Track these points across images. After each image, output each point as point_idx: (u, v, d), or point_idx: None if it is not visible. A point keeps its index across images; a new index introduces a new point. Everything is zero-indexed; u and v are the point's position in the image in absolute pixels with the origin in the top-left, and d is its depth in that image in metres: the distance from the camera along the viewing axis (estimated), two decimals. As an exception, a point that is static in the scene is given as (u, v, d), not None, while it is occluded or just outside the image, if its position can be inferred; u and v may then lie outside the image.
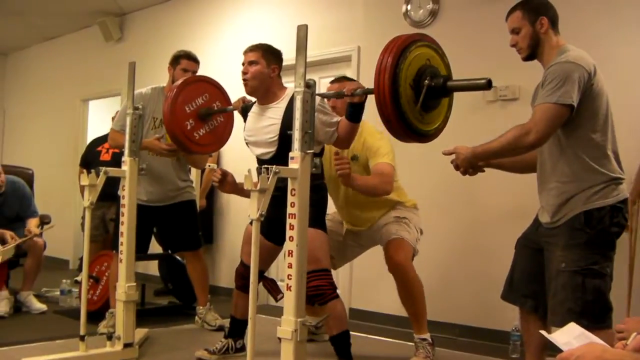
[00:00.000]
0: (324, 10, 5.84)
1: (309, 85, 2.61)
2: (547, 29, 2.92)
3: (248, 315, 3.80)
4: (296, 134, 2.57)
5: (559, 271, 2.80)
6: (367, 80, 5.35)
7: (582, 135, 2.81)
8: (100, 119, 8.38)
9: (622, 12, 4.19)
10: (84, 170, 3.83)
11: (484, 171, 3.17)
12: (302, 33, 2.59)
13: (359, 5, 5.62)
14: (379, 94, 2.60)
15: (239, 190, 3.77)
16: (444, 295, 4.78)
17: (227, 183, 3.74)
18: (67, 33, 9.17)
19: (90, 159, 6.26)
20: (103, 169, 3.63)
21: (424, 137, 2.81)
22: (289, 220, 2.54)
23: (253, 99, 3.73)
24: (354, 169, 3.82)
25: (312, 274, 3.35)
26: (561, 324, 2.70)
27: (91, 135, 7.79)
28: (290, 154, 2.56)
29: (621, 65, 4.15)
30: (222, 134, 4.15)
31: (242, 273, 3.77)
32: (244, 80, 3.56)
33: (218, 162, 6.40)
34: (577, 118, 2.78)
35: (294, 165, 2.55)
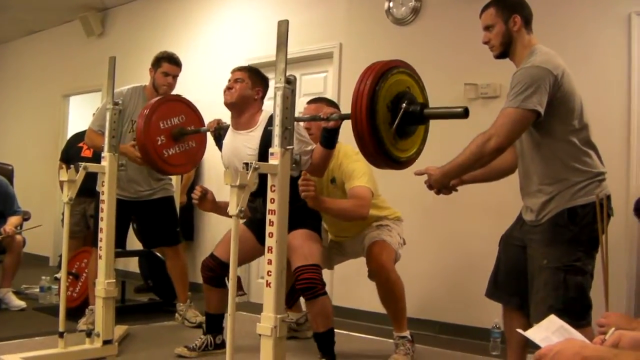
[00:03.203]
0: (306, 7, 5.84)
1: (290, 81, 2.59)
2: (520, 27, 2.91)
3: (222, 310, 3.85)
4: (276, 130, 2.55)
5: (541, 268, 2.80)
6: (348, 78, 5.40)
7: (560, 137, 2.81)
8: (80, 114, 8.32)
9: (606, 8, 4.22)
10: (64, 165, 3.80)
11: (457, 190, 3.15)
12: (283, 28, 2.58)
13: (341, 1, 5.62)
14: (356, 119, 2.57)
15: (218, 208, 3.77)
16: (424, 292, 4.79)
17: (207, 201, 3.74)
18: (48, 28, 9.11)
19: (71, 155, 6.22)
20: (82, 164, 3.59)
21: (398, 163, 2.77)
22: (268, 217, 2.53)
23: (227, 122, 3.75)
24: (333, 192, 3.84)
25: (304, 267, 3.40)
26: None
27: (71, 131, 7.73)
28: (270, 150, 2.55)
29: (603, 63, 4.19)
30: (194, 157, 4.25)
31: (209, 265, 3.81)
32: (227, 92, 3.59)
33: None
34: (553, 121, 2.78)
35: (273, 161, 2.54)
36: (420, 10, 5.09)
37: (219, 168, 3.88)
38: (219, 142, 3.85)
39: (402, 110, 2.61)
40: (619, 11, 4.16)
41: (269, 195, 2.54)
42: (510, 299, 3.06)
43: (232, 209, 2.42)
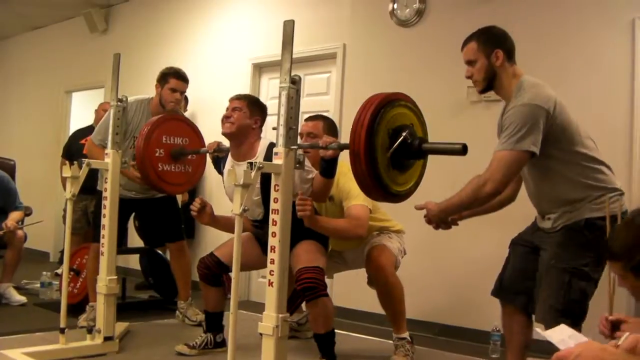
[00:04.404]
0: (311, 7, 5.84)
1: (295, 81, 2.60)
2: (503, 61, 2.88)
3: (220, 308, 3.86)
4: (280, 130, 2.56)
5: (548, 267, 2.80)
6: (352, 79, 5.40)
7: (569, 163, 2.81)
8: (83, 111, 8.32)
9: (610, 14, 4.23)
10: (67, 162, 3.80)
11: (457, 224, 3.16)
12: (289, 28, 2.59)
13: (346, 2, 5.62)
14: (354, 143, 2.53)
15: (217, 221, 3.81)
16: (424, 294, 4.79)
17: (205, 214, 3.75)
18: (52, 23, 9.11)
19: (73, 151, 6.22)
20: (85, 160, 3.59)
21: (390, 194, 2.74)
22: (271, 216, 2.54)
23: (227, 145, 3.75)
24: (331, 209, 3.85)
25: (306, 268, 3.39)
26: (542, 320, 2.72)
27: (74, 127, 7.73)
28: (274, 150, 2.56)
29: (607, 68, 4.19)
30: (191, 179, 4.24)
31: (206, 263, 3.81)
32: (226, 121, 3.59)
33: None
34: (555, 151, 2.78)
35: (277, 160, 2.56)
36: (425, 12, 5.09)
37: (219, 181, 3.90)
38: (217, 166, 3.87)
39: (401, 137, 2.59)
40: (622, 16, 4.15)
41: (272, 194, 2.56)
42: (515, 298, 3.05)
43: (236, 208, 2.43)
